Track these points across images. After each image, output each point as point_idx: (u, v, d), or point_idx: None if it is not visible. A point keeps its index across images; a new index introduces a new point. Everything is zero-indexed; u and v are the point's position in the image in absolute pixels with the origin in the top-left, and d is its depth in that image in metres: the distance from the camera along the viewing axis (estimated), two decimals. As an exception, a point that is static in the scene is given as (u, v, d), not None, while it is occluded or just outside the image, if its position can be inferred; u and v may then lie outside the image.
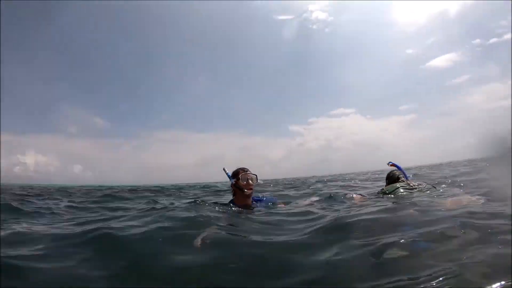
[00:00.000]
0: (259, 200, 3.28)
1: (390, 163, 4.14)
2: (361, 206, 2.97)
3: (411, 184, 3.46)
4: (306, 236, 1.95)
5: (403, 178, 3.72)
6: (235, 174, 3.14)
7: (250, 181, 3.05)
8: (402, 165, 4.21)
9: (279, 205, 3.30)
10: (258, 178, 3.14)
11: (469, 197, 2.79)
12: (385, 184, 3.97)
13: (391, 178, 3.86)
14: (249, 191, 3.05)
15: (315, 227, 2.12)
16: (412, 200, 2.94)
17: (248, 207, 3.09)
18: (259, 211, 3.02)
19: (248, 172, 3.11)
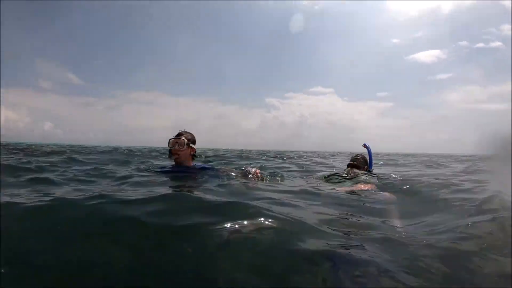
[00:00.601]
0: (204, 168, 3.24)
1: (364, 145, 4.32)
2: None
3: (349, 174, 3.77)
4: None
5: (351, 166, 4.09)
6: None
7: (176, 147, 3.07)
8: (373, 150, 4.42)
9: (220, 171, 3.23)
10: (187, 143, 3.12)
11: (362, 186, 3.25)
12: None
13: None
14: (174, 156, 3.09)
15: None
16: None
17: (185, 170, 3.12)
18: (195, 175, 3.05)
19: (176, 138, 3.11)
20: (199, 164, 3.35)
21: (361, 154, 4.29)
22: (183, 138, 3.07)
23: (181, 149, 3.04)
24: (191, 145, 3.12)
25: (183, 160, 3.09)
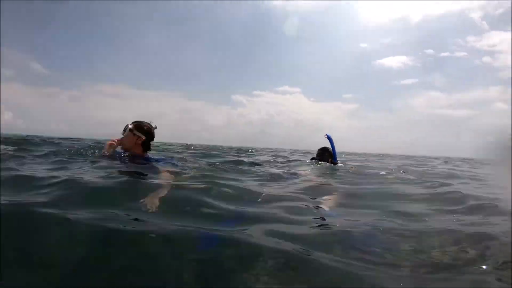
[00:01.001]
0: (152, 159, 3.07)
1: (325, 135, 4.25)
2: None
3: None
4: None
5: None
6: None
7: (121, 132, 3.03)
8: (338, 149, 4.38)
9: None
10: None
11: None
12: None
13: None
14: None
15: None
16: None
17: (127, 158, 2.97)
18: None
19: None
20: (155, 157, 3.17)
21: (326, 148, 4.34)
22: (128, 124, 3.00)
23: (123, 134, 2.98)
24: (136, 132, 2.96)
25: (127, 146, 2.99)
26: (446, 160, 13.70)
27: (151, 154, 3.18)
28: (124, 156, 2.97)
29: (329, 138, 4.24)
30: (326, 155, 4.25)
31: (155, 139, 3.10)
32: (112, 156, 2.98)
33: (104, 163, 2.76)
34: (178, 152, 7.56)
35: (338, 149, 4.33)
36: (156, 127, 3.11)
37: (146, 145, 3.02)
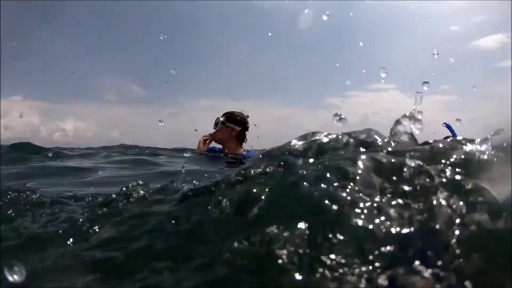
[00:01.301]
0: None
1: (444, 124, 3.80)
2: None
3: None
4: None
5: None
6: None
7: (213, 127, 2.80)
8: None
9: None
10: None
11: None
12: None
13: None
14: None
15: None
16: None
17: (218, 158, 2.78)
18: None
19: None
20: (251, 151, 2.83)
21: (449, 137, 3.60)
22: (219, 117, 2.69)
23: (215, 129, 2.72)
24: (229, 124, 2.68)
25: (221, 141, 2.75)
26: None
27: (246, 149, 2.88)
28: (221, 155, 2.76)
29: (448, 126, 3.81)
30: None
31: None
32: (208, 157, 2.74)
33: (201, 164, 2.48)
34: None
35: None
36: (248, 116, 2.81)
37: (241, 136, 2.77)
